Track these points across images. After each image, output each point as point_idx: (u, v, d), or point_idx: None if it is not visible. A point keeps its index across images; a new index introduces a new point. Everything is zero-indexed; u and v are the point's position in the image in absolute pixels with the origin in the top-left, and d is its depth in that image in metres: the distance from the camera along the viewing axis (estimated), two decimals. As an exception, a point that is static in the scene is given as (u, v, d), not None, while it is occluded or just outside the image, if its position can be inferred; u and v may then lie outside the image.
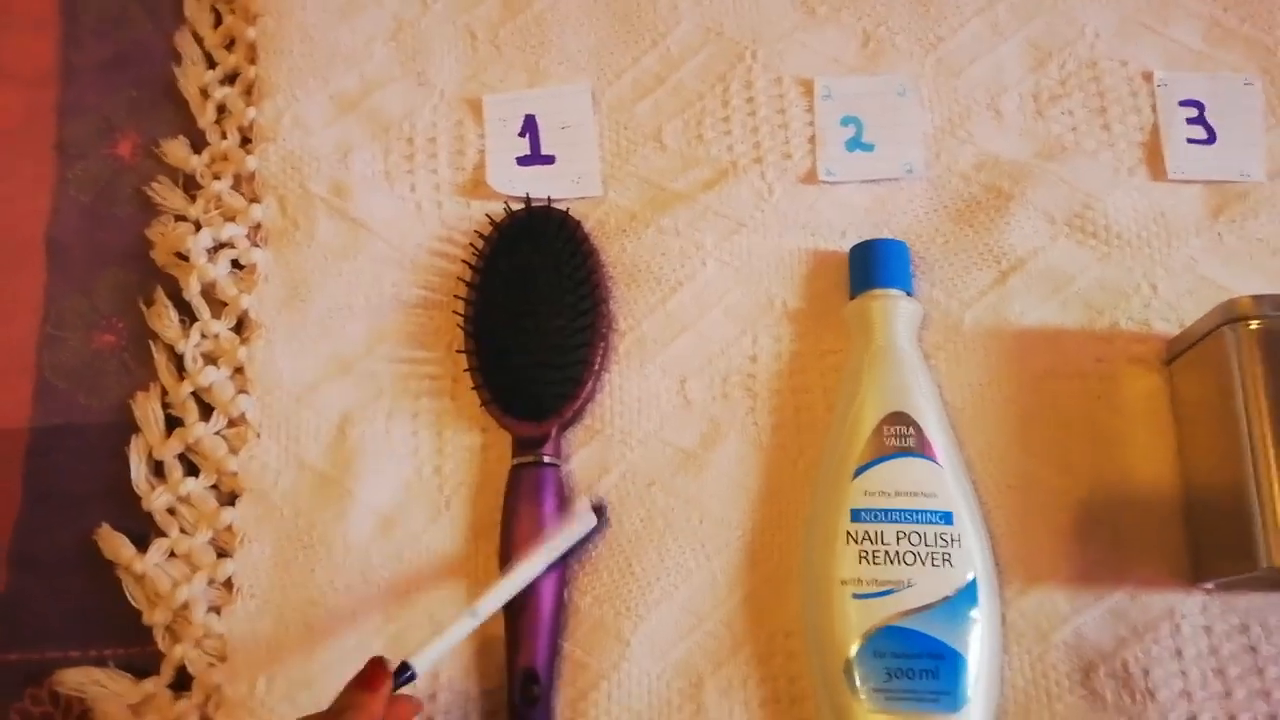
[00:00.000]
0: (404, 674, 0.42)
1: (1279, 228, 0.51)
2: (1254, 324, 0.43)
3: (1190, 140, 0.52)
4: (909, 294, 0.50)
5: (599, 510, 0.49)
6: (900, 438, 0.46)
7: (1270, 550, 0.41)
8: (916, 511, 0.45)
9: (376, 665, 0.41)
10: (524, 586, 0.45)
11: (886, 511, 0.45)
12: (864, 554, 0.45)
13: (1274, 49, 0.54)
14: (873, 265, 0.50)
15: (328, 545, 0.50)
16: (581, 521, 0.48)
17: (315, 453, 0.51)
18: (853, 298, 0.50)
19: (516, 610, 0.47)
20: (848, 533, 0.45)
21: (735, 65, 0.56)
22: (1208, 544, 0.45)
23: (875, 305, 0.49)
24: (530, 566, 0.46)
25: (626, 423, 0.51)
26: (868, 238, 0.51)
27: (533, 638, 0.47)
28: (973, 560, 0.44)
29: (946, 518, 0.45)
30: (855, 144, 0.54)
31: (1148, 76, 0.54)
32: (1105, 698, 0.44)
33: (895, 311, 0.49)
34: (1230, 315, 0.44)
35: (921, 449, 0.46)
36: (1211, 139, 0.52)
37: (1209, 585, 0.46)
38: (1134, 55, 0.54)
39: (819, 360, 0.51)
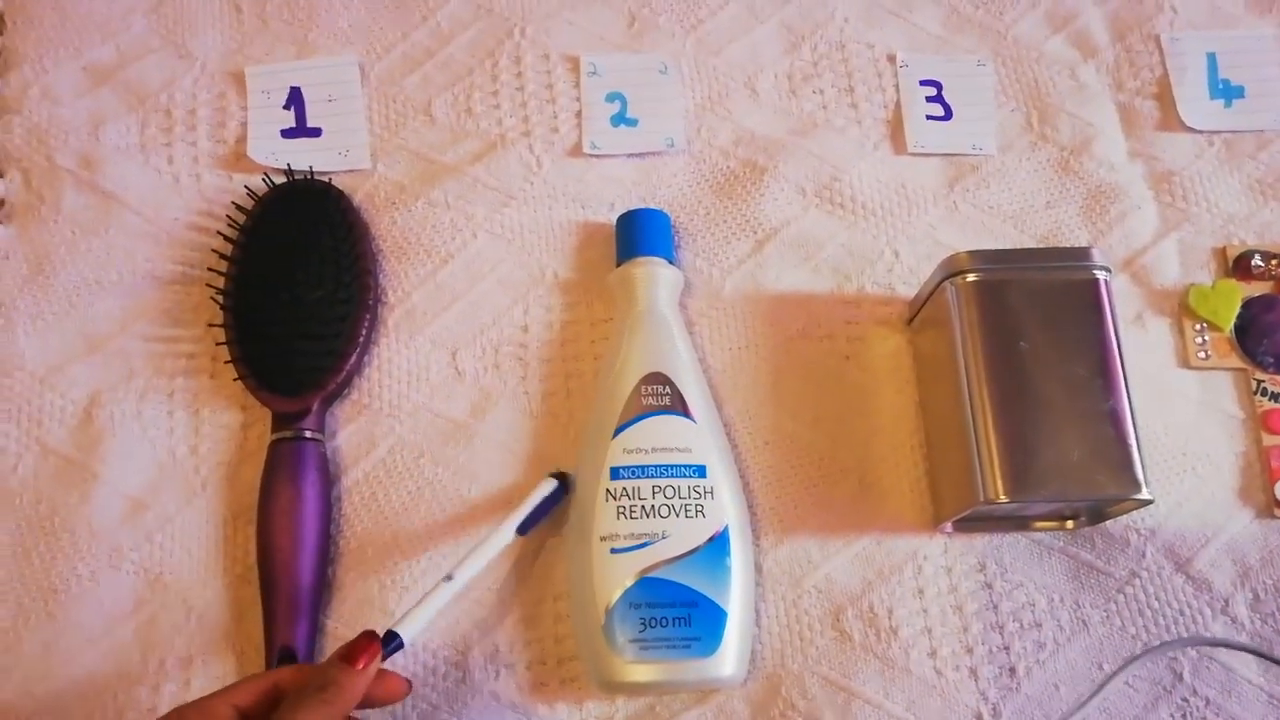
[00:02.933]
0: (391, 643, 0.40)
1: (1007, 196, 0.55)
2: (970, 277, 0.47)
3: (929, 117, 0.56)
4: (670, 262, 0.52)
5: (561, 479, 0.48)
6: (657, 396, 0.48)
7: (986, 484, 0.44)
8: (671, 466, 0.47)
9: (366, 639, 0.39)
10: (495, 553, 0.45)
11: (643, 467, 0.47)
12: (621, 509, 0.46)
13: (1004, 34, 0.59)
14: (635, 234, 0.52)
15: (71, 531, 0.48)
16: (540, 490, 0.47)
17: (59, 436, 0.49)
18: (618, 266, 0.52)
19: (271, 587, 0.46)
20: (607, 490, 0.46)
21: (504, 41, 0.58)
22: (943, 487, 0.49)
23: (637, 272, 0.51)
24: (499, 533, 0.45)
25: (395, 395, 0.51)
26: (641, 207, 0.53)
27: (291, 615, 0.46)
28: (726, 511, 0.47)
29: (700, 471, 0.47)
30: (620, 119, 0.56)
31: (891, 58, 0.58)
32: (853, 637, 0.47)
33: (655, 278, 0.51)
34: (950, 270, 0.48)
35: (677, 407, 0.48)
36: (948, 115, 0.57)
37: (948, 528, 0.49)
38: (880, 39, 0.59)
39: (590, 329, 0.53)
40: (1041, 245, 0.54)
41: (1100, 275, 0.47)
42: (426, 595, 0.42)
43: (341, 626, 0.47)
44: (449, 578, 0.43)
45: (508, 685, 0.46)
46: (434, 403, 0.51)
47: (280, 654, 0.45)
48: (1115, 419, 0.45)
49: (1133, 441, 0.44)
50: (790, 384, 0.52)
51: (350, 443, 0.50)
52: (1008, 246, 0.54)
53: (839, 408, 0.51)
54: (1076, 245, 0.54)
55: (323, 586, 0.47)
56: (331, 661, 0.39)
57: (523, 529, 0.46)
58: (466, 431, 0.50)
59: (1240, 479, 0.50)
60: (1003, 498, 0.44)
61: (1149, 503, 0.44)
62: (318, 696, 0.37)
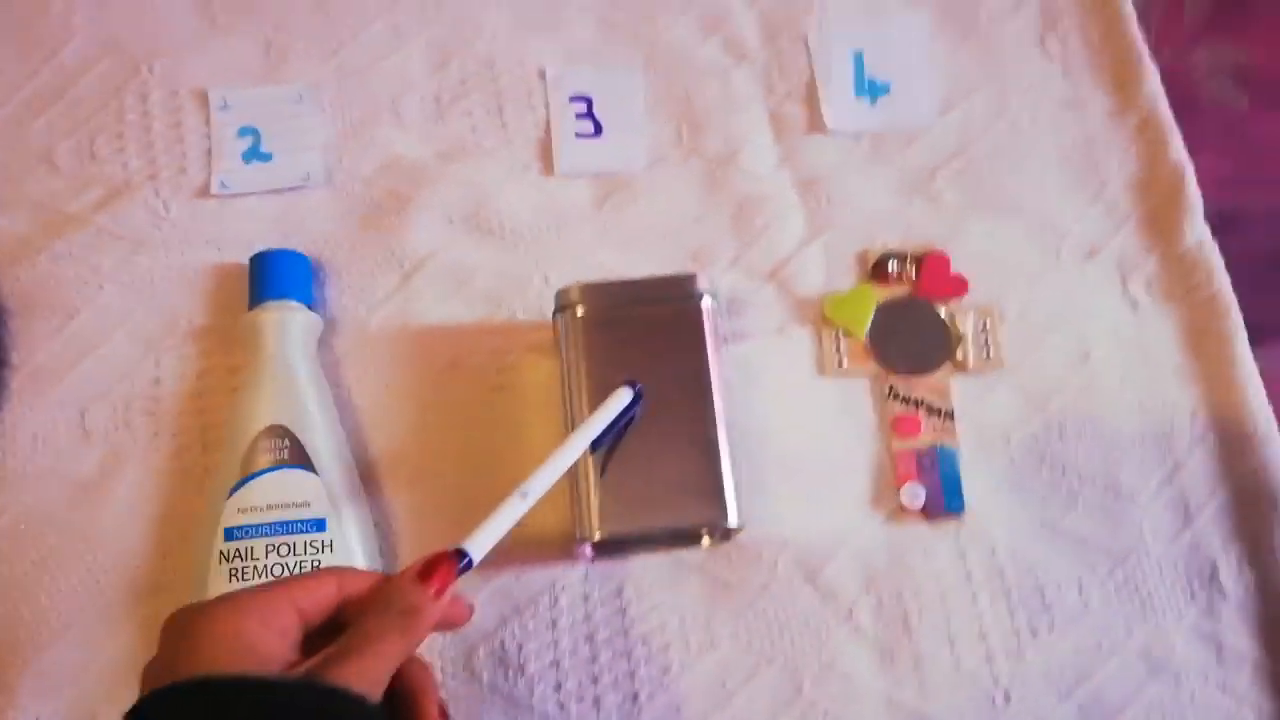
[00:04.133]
0: (460, 563, 0.36)
1: (657, 212, 0.55)
2: (578, 311, 0.47)
3: (579, 135, 0.56)
4: (307, 304, 0.51)
5: (633, 386, 0.46)
6: (276, 451, 0.47)
7: (582, 520, 0.45)
8: (287, 523, 0.46)
9: (443, 560, 0.35)
10: (567, 468, 0.42)
11: (257, 526, 0.46)
12: (234, 572, 0.46)
13: (656, 41, 0.58)
14: (263, 278, 0.51)
15: None
16: (616, 399, 0.45)
17: None
18: (249, 311, 0.51)
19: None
20: (221, 552, 0.46)
21: (131, 79, 0.56)
22: (574, 517, 0.49)
23: (264, 319, 0.50)
24: (571, 447, 0.43)
25: (21, 462, 0.50)
26: (274, 248, 0.52)
27: (-101, 704, 0.45)
28: (344, 564, 0.46)
29: (319, 525, 0.47)
30: (253, 154, 0.54)
31: (542, 73, 0.57)
32: (483, 678, 0.48)
33: (283, 324, 0.50)
34: (561, 303, 0.48)
35: (298, 460, 0.47)
36: (598, 132, 0.56)
37: (587, 553, 0.50)
38: (530, 53, 0.58)
39: (229, 376, 0.52)
40: (691, 260, 0.55)
41: (703, 303, 0.48)
42: (497, 511, 0.39)
43: (-37, 710, 0.46)
44: (523, 495, 0.40)
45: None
46: (60, 466, 0.50)
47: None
48: (708, 447, 0.45)
49: (724, 469, 0.45)
50: (437, 420, 0.52)
51: (-24, 515, 0.49)
52: (657, 264, 0.54)
53: (487, 440, 0.51)
54: (722, 259, 0.55)
55: (-64, 671, 0.46)
56: (409, 581, 0.35)
57: (596, 444, 0.44)
58: (94, 494, 0.49)
59: (873, 485, 0.51)
60: (595, 534, 0.44)
61: (737, 530, 0.45)
62: (399, 623, 0.33)
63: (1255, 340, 0.54)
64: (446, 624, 0.38)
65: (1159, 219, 0.56)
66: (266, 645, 0.32)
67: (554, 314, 0.48)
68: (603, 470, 0.45)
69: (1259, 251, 0.58)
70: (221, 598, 0.33)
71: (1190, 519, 0.51)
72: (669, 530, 0.46)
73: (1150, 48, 0.59)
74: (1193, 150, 0.57)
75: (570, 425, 0.46)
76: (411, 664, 0.36)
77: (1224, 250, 0.55)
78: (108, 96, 0.55)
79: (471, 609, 0.39)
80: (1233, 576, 0.50)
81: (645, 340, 0.47)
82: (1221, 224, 0.57)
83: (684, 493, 0.45)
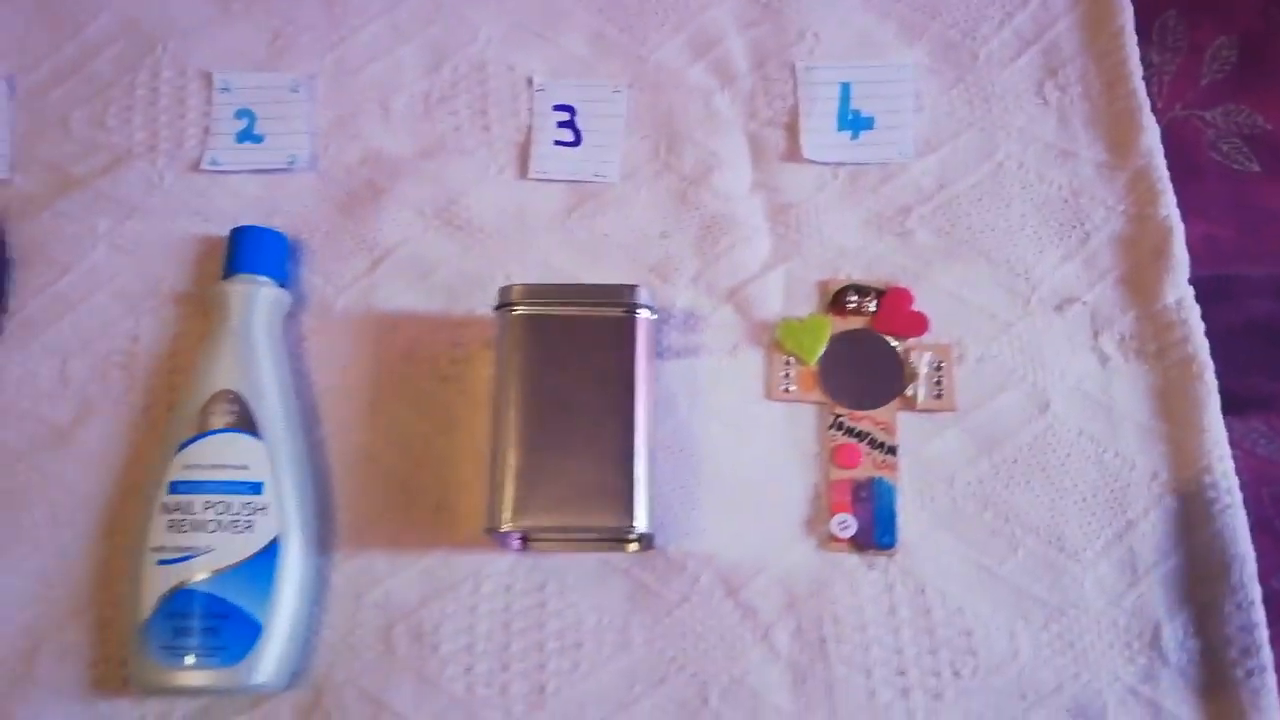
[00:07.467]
0: None
1: (624, 224, 0.60)
2: (517, 310, 0.52)
3: (558, 142, 0.61)
4: (280, 279, 0.57)
5: None
6: (224, 414, 0.53)
7: (493, 510, 0.50)
8: (226, 483, 0.52)
9: None
10: None
11: (200, 483, 0.52)
12: (173, 523, 0.52)
13: (646, 59, 0.63)
14: (239, 251, 0.57)
15: None
16: None
17: None
18: (222, 281, 0.57)
19: None
20: (163, 504, 0.52)
21: (146, 56, 0.63)
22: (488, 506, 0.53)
23: (232, 289, 0.56)
24: None
25: (4, 401, 0.57)
26: (257, 225, 0.59)
27: None
28: (279, 527, 0.52)
29: (255, 488, 0.52)
30: (245, 136, 0.61)
31: (530, 81, 0.63)
32: (397, 651, 0.53)
33: (249, 296, 0.56)
34: (501, 300, 0.53)
35: (244, 424, 0.53)
36: (578, 141, 0.61)
37: (515, 544, 0.54)
38: (522, 60, 0.63)
39: (200, 342, 0.58)
40: (652, 273, 0.59)
41: (639, 314, 0.52)
42: None
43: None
44: None
45: (72, 681, 0.52)
46: (39, 409, 0.57)
47: None
48: (625, 453, 0.50)
49: (638, 476, 0.49)
50: (387, 405, 0.57)
51: (-44, 448, 0.57)
52: (617, 274, 0.59)
53: (430, 429, 0.57)
54: (683, 275, 0.59)
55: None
56: None
57: None
58: (65, 438, 0.56)
59: (807, 512, 0.55)
60: (505, 525, 0.49)
61: (642, 536, 0.49)
62: None
63: (1234, 410, 0.56)
64: None
65: (1140, 276, 0.58)
66: None
67: (494, 308, 0.53)
68: (522, 462, 0.50)
69: (1254, 322, 0.59)
70: None
71: (1137, 580, 0.53)
72: (576, 528, 0.50)
73: (1158, 104, 0.62)
74: (1192, 214, 0.59)
75: (496, 417, 0.51)
76: None
77: (1215, 318, 0.57)
78: (123, 71, 0.63)
79: None
80: (1176, 643, 0.52)
81: (578, 344, 0.52)
82: (1216, 291, 0.59)
83: (596, 494, 0.49)
